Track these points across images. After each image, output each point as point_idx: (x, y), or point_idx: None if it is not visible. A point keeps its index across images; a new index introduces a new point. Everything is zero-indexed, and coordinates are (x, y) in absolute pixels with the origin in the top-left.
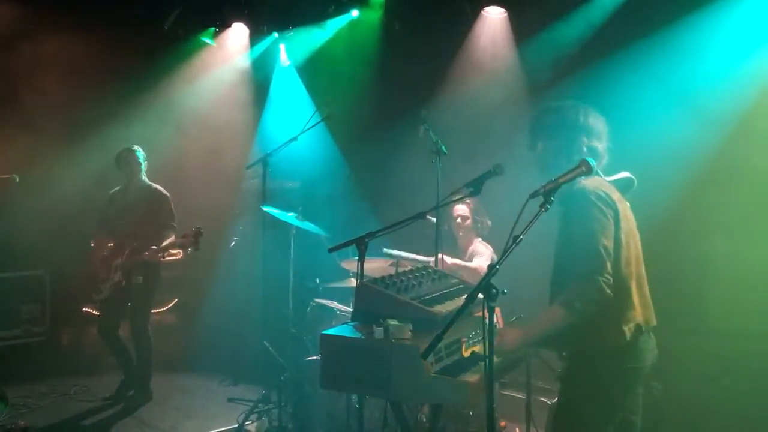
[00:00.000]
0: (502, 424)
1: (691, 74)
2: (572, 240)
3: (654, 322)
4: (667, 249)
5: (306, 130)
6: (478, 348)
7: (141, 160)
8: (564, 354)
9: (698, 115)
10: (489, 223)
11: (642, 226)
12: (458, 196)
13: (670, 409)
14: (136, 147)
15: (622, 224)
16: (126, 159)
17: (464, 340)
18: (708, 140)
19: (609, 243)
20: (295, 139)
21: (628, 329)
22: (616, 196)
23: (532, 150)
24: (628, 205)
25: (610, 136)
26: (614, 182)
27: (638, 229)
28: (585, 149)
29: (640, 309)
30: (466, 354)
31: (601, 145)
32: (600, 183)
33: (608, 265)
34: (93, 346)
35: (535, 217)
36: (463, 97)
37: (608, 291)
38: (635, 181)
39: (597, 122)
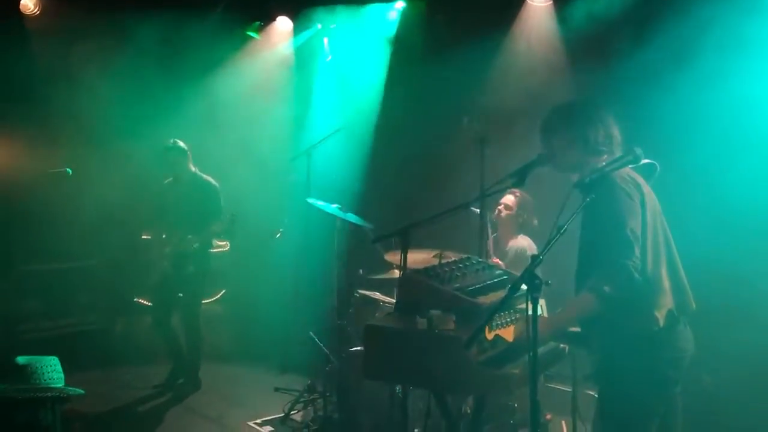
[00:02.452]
0: (548, 416)
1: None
2: (599, 225)
3: (692, 307)
4: (720, 237)
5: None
6: (501, 332)
7: (186, 153)
8: (592, 350)
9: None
10: (535, 222)
11: (692, 210)
12: (502, 186)
13: (720, 404)
14: (179, 140)
15: (648, 208)
16: (171, 152)
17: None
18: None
19: (636, 227)
20: (337, 131)
21: (660, 315)
22: (640, 180)
23: (547, 149)
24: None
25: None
26: (637, 168)
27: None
28: (601, 138)
29: (673, 294)
30: (490, 337)
31: (613, 138)
32: (623, 168)
33: (636, 249)
34: (144, 335)
35: (579, 206)
36: (508, 87)
37: (637, 275)
38: (658, 167)
39: (609, 112)
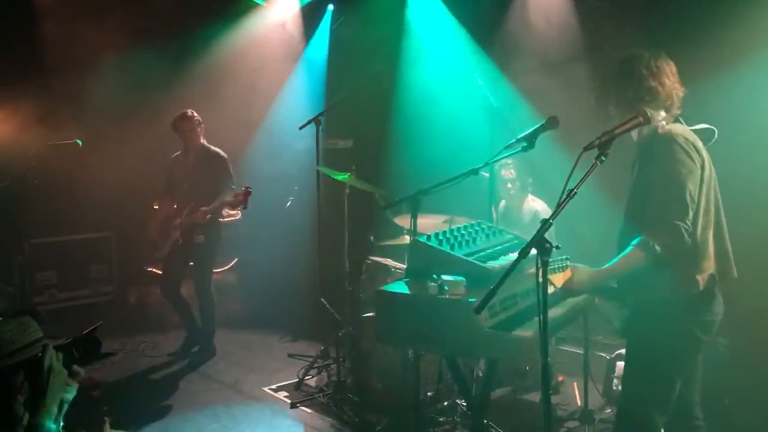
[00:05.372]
0: (560, 378)
1: None
2: (656, 185)
3: (733, 274)
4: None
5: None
6: (552, 276)
7: (197, 124)
8: (626, 305)
9: None
10: (530, 180)
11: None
12: (511, 151)
13: (734, 369)
14: (191, 111)
15: (705, 172)
16: (182, 124)
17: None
18: None
19: (694, 189)
20: (346, 98)
21: (701, 278)
22: (700, 144)
23: (601, 107)
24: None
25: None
26: (695, 131)
27: (727, 179)
28: (648, 96)
29: (716, 259)
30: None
31: (674, 92)
32: (685, 130)
33: (691, 212)
34: (159, 305)
35: (589, 170)
36: (522, 54)
37: (687, 238)
38: (716, 132)
39: (664, 67)
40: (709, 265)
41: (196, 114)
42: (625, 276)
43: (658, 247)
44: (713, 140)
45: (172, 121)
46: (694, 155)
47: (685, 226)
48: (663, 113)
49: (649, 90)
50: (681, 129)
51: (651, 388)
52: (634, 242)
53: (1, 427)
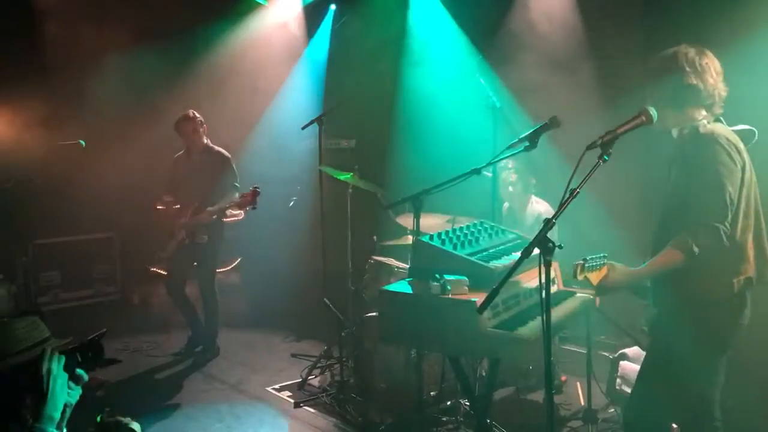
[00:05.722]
0: (563, 378)
1: None
2: (696, 185)
3: None
4: None
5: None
6: (589, 274)
7: (199, 125)
8: (655, 302)
9: None
10: (533, 181)
11: None
12: (514, 150)
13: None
14: (193, 112)
15: (746, 174)
16: (184, 125)
17: (580, 263)
18: None
19: (734, 192)
20: (349, 98)
21: (737, 281)
22: (741, 145)
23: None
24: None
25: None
26: (736, 132)
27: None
28: (689, 94)
29: (754, 263)
30: (580, 278)
31: (716, 91)
32: (727, 130)
33: (730, 214)
34: (162, 305)
35: (592, 169)
36: (523, 53)
37: (726, 240)
38: (756, 133)
39: (708, 65)
40: (747, 269)
41: (198, 114)
42: (660, 275)
43: (696, 248)
44: (754, 141)
45: (174, 123)
46: (736, 156)
47: (724, 228)
48: (704, 112)
49: (689, 87)
50: (723, 129)
51: (671, 389)
52: (672, 242)
53: (10, 425)
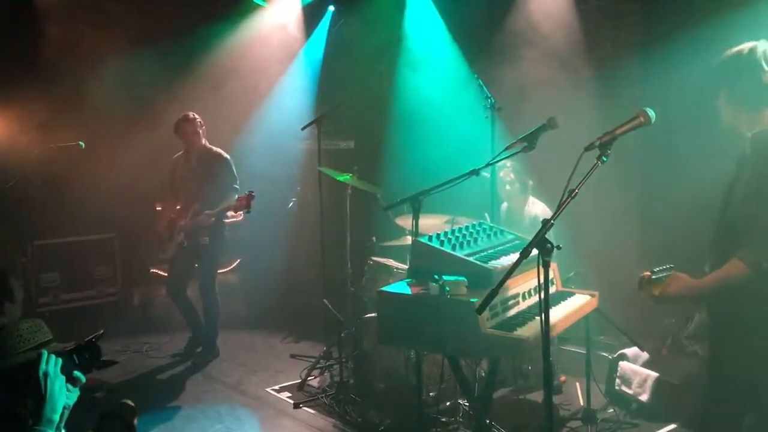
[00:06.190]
0: (562, 378)
1: None
2: (766, 198)
3: None
4: None
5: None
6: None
7: (199, 126)
8: (710, 314)
9: None
10: (530, 182)
11: None
12: (512, 151)
13: None
14: (192, 114)
15: None
16: (184, 126)
17: (647, 274)
18: None
19: None
20: (348, 99)
21: None
22: None
23: (721, 104)
24: None
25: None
26: None
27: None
28: (750, 93)
29: None
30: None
31: None
32: None
33: None
34: (162, 306)
35: (590, 170)
36: (523, 53)
37: None
38: None
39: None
40: None
41: (197, 116)
42: (723, 288)
43: (766, 264)
44: None
45: (174, 124)
46: None
47: None
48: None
49: (767, 87)
50: None
51: (734, 402)
52: (739, 255)
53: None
